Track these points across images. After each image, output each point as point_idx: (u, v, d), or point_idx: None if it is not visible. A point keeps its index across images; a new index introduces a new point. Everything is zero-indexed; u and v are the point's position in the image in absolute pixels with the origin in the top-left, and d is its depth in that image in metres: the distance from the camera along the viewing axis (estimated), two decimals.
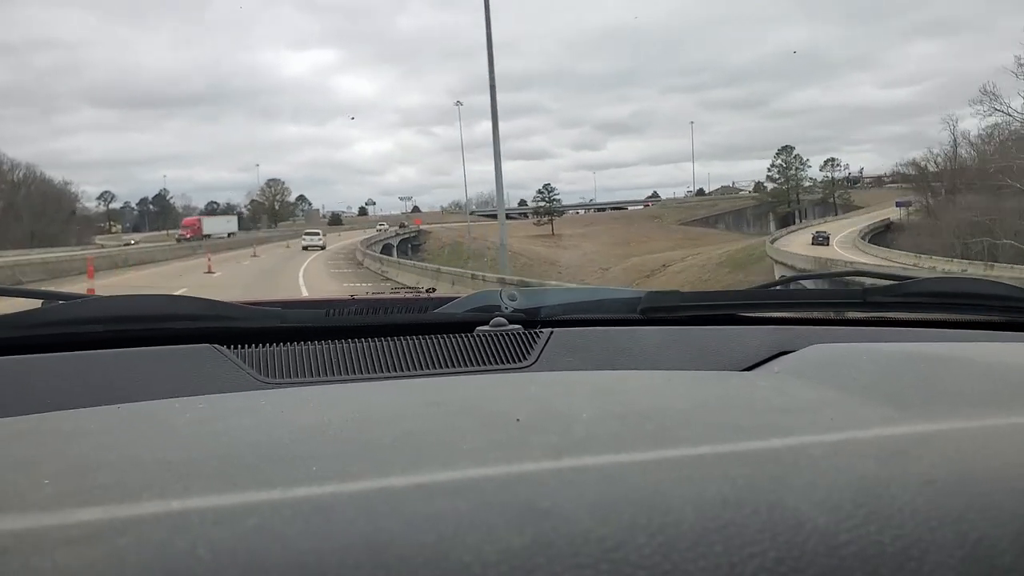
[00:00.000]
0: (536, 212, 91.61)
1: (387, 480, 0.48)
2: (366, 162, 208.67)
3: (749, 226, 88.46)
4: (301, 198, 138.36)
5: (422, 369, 1.10)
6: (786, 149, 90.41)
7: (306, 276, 26.36)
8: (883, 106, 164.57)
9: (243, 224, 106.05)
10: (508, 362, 1.13)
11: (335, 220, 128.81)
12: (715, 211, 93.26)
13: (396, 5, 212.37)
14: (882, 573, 0.40)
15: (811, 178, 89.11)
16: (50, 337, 1.08)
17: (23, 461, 0.59)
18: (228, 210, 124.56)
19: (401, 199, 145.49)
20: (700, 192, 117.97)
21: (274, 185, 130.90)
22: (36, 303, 1.22)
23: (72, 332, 1.09)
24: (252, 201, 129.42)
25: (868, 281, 1.42)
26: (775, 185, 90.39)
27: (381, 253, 40.76)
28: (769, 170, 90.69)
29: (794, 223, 79.74)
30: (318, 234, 62.92)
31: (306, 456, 0.55)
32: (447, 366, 1.11)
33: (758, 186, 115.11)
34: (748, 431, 0.60)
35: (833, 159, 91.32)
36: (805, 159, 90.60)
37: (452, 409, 0.73)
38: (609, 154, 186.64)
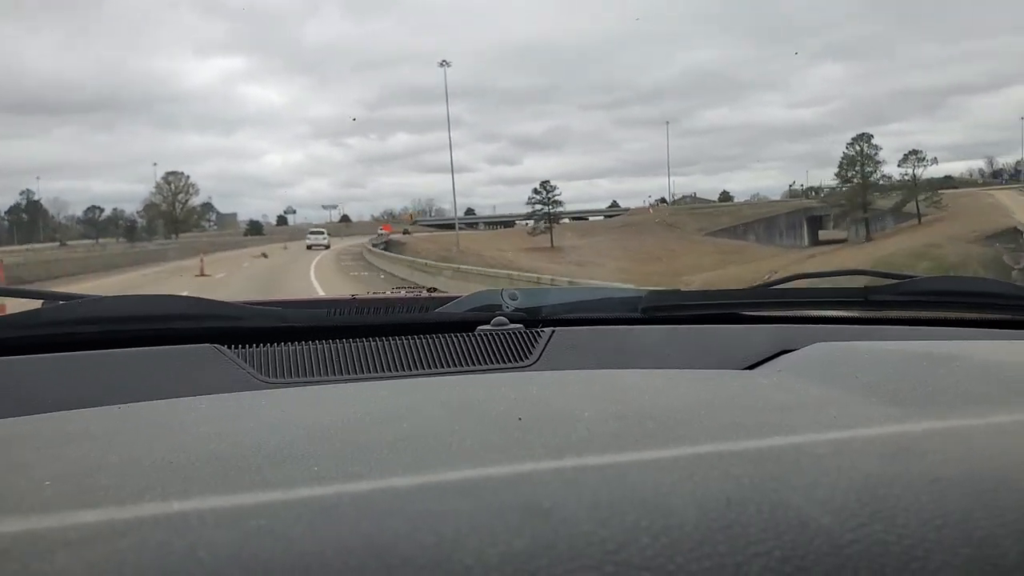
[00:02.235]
0: (532, 217, 69.40)
1: (388, 480, 0.47)
2: (275, 174, 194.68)
3: (782, 237, 70.85)
4: (208, 206, 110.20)
5: (423, 369, 1.10)
6: (862, 137, 62.95)
7: None
8: (789, 126, 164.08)
9: (136, 236, 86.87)
10: (509, 361, 1.12)
11: (254, 229, 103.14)
12: (741, 219, 74.64)
13: (306, 13, 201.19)
14: (887, 572, 0.40)
15: (887, 175, 63.08)
16: (50, 337, 1.08)
17: (23, 462, 0.59)
18: (114, 218, 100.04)
19: (325, 208, 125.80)
20: (662, 201, 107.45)
21: (174, 180, 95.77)
22: (36, 303, 1.22)
23: (72, 332, 1.09)
24: (147, 204, 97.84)
25: (870, 280, 1.42)
26: (841, 183, 64.83)
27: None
28: (841, 165, 64.26)
29: (866, 235, 60.12)
30: (323, 233, 61.36)
31: (307, 456, 0.55)
32: (448, 365, 1.11)
33: (724, 195, 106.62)
34: (751, 430, 0.59)
35: (916, 151, 62.24)
36: (877, 151, 63.72)
37: (453, 409, 0.73)
38: (525, 169, 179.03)
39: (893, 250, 49.01)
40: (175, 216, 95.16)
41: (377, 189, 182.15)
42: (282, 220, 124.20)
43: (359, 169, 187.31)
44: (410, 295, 1.55)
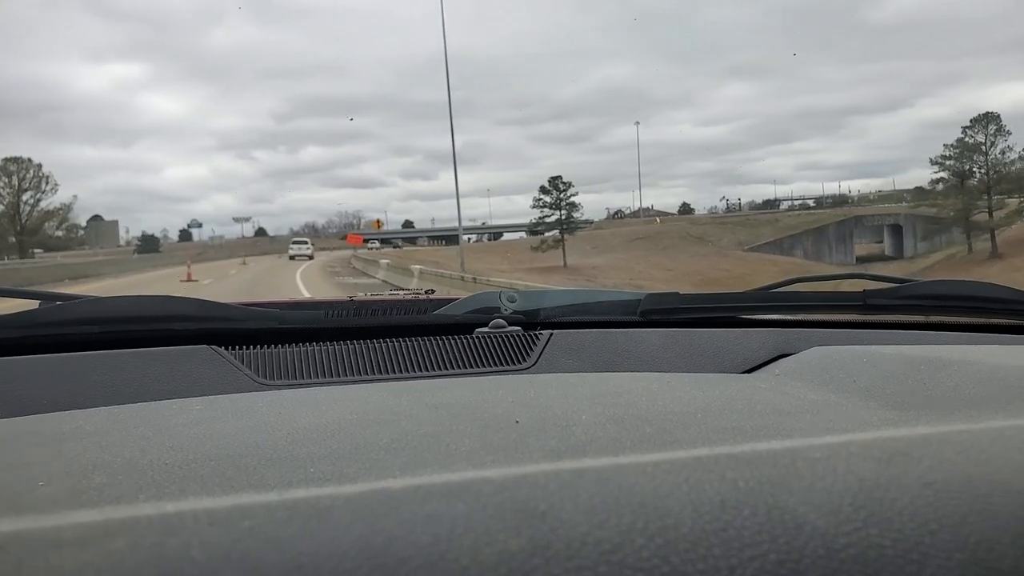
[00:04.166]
0: (535, 230, 51.36)
1: (384, 482, 0.47)
2: (177, 189, 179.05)
3: (832, 252, 59.51)
4: (97, 218, 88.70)
5: (421, 371, 1.10)
6: (988, 118, 44.59)
7: None
8: (698, 143, 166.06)
9: None
10: (507, 364, 1.13)
11: (148, 246, 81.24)
12: (785, 232, 61.83)
13: (210, 18, 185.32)
14: None
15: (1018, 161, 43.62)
16: (47, 338, 1.09)
17: (19, 462, 0.59)
18: None
19: (236, 220, 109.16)
20: (617, 214, 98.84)
21: (17, 171, 64.19)
22: (33, 304, 1.23)
23: (69, 333, 1.10)
24: None
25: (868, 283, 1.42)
26: (950, 178, 45.44)
27: None
28: (950, 155, 45.08)
29: (991, 249, 42.03)
30: (306, 242, 59.41)
31: (303, 458, 0.55)
32: (446, 368, 1.11)
33: (684, 207, 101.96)
34: (748, 433, 0.60)
35: None
36: (1007, 136, 44.21)
37: (451, 411, 0.73)
38: (441, 184, 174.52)
39: None
40: (19, 224, 64.12)
41: (287, 204, 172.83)
42: (186, 235, 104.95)
43: (268, 184, 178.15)
44: (408, 297, 1.55)
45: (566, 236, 47.62)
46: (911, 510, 0.43)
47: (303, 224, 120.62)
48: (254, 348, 1.12)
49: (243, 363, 1.07)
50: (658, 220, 79.66)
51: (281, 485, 0.48)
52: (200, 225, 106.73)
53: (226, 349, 1.09)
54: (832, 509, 0.43)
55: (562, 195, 47.86)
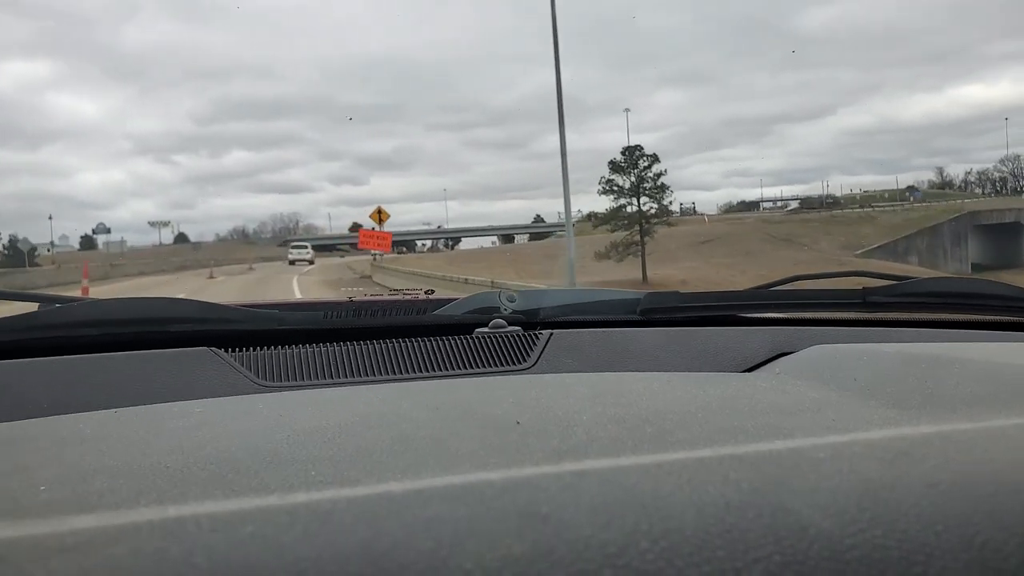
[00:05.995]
0: (614, 219, 31.02)
1: (386, 485, 0.47)
2: (91, 194, 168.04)
3: (946, 256, 48.71)
4: None
5: (421, 372, 1.10)
6: None
7: None
8: None
9: None
10: (508, 364, 1.13)
11: (14, 259, 55.45)
12: (894, 232, 49.56)
13: (124, 14, 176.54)
14: None
15: None
16: (47, 340, 1.09)
17: (19, 467, 0.58)
18: None
19: (152, 225, 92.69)
20: (590, 217, 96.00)
21: None
22: (32, 306, 1.23)
23: (68, 335, 1.10)
24: None
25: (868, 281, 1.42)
26: None
27: None
28: None
29: None
30: (306, 247, 58.41)
31: (304, 461, 0.55)
32: (446, 369, 1.11)
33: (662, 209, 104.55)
34: (749, 433, 0.59)
35: None
36: None
37: (451, 412, 0.72)
38: (372, 190, 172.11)
39: None
40: None
41: (209, 210, 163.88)
42: (89, 242, 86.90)
43: (189, 189, 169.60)
44: (408, 297, 1.55)
45: (649, 237, 31.11)
46: (916, 511, 0.43)
47: (231, 229, 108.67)
48: (253, 350, 1.12)
49: (242, 365, 1.07)
50: (705, 220, 70.08)
51: (282, 488, 0.48)
52: (109, 230, 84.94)
53: (225, 351, 1.09)
54: (837, 510, 0.43)
55: (644, 173, 31.24)
